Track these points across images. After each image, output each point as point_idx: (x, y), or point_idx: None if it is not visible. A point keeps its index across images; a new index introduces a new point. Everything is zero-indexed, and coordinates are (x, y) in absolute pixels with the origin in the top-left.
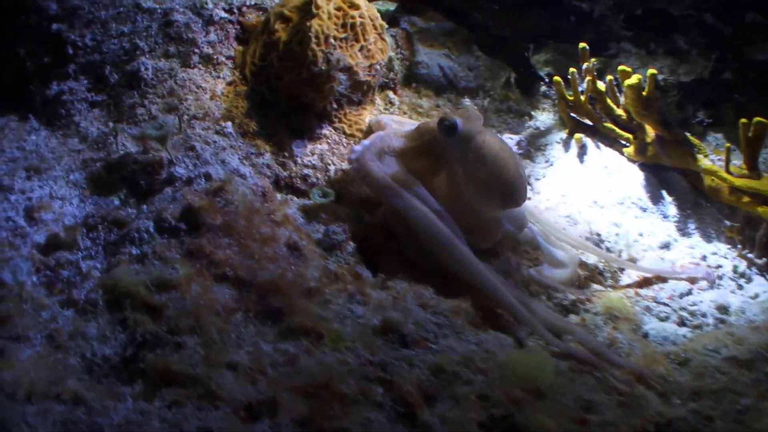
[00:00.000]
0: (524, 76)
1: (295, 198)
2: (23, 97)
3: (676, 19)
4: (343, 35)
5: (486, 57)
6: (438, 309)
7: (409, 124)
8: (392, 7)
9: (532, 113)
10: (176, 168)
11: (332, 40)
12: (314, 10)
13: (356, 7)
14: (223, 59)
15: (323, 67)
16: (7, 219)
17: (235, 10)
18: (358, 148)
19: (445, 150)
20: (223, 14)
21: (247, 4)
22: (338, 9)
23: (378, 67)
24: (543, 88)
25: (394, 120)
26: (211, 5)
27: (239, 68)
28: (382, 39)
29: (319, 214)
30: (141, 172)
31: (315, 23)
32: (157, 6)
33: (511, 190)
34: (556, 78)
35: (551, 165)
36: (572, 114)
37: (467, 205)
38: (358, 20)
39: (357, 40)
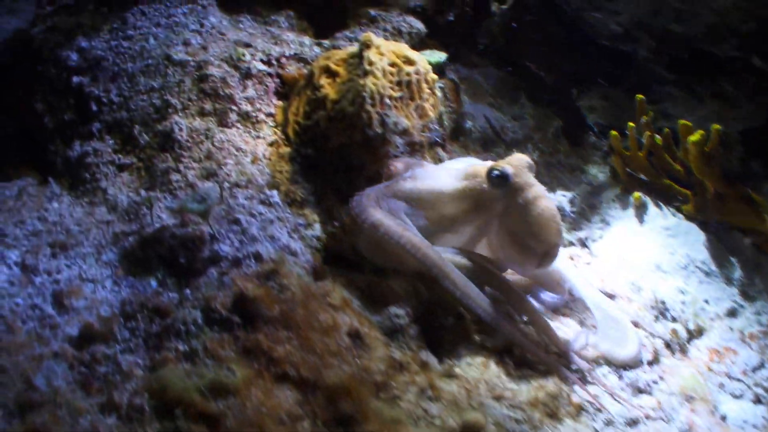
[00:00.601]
0: (572, 125)
1: (347, 273)
2: (41, 156)
3: (722, 62)
4: (399, 94)
5: (531, 105)
6: (514, 402)
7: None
8: (443, 57)
9: (583, 167)
10: (220, 245)
11: (387, 100)
12: (367, 67)
13: (411, 62)
14: (263, 117)
15: (379, 131)
16: (33, 306)
17: (274, 62)
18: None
19: (489, 199)
20: (262, 66)
21: (287, 54)
22: (392, 65)
23: (431, 125)
24: (592, 138)
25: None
26: (248, 57)
27: (281, 127)
28: (434, 94)
29: (375, 291)
30: (180, 248)
31: (370, 82)
32: (190, 58)
33: (548, 252)
34: (613, 132)
35: (608, 225)
36: (627, 169)
37: (499, 256)
38: (414, 77)
39: (412, 99)
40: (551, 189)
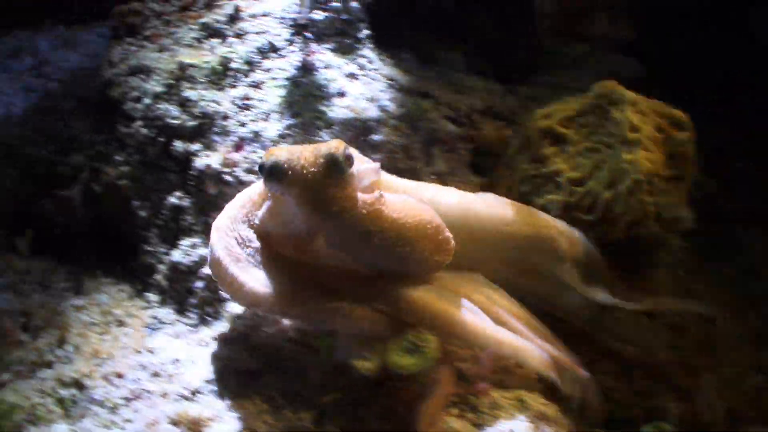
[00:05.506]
0: None
1: None
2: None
3: None
4: (670, 173)
5: None
6: None
7: None
8: None
9: None
10: None
11: (659, 182)
12: (630, 134)
13: (680, 125)
14: None
15: (654, 230)
16: None
17: (464, 119)
18: None
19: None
20: (451, 127)
21: (477, 108)
22: (659, 129)
23: None
24: None
25: None
26: (433, 113)
27: None
28: None
29: None
30: None
31: (642, 157)
32: (353, 115)
33: None
34: None
35: None
36: None
37: None
38: (688, 148)
39: (682, 177)
40: None
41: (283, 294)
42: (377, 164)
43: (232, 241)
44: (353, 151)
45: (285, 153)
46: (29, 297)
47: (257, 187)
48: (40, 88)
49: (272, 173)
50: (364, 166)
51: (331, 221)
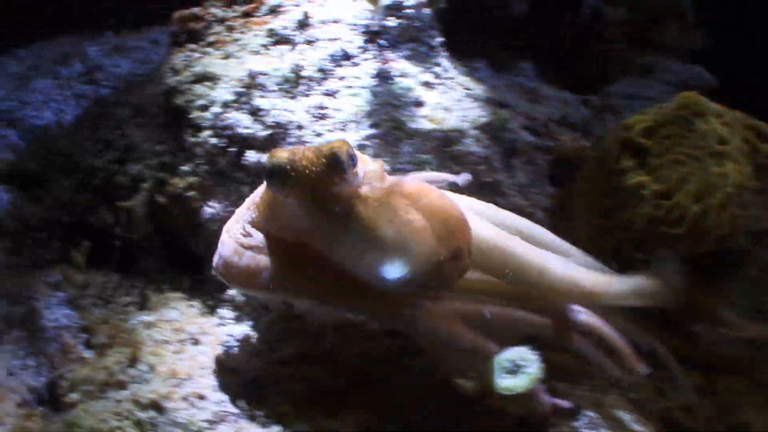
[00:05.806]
0: None
1: None
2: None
3: None
4: (758, 186)
5: None
6: None
7: None
8: None
9: None
10: None
11: (745, 194)
12: (718, 146)
13: (765, 136)
14: (540, 214)
15: (742, 243)
16: None
17: (542, 130)
18: None
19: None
20: (530, 137)
21: (553, 118)
22: (746, 141)
23: None
24: None
25: None
26: (513, 124)
27: (562, 228)
28: None
29: None
30: None
31: (732, 169)
32: (434, 126)
33: None
34: None
35: None
36: None
37: None
38: None
39: (766, 191)
40: None
41: (297, 272)
42: (380, 165)
43: (240, 237)
44: (357, 153)
45: (287, 154)
46: (90, 312)
47: (261, 188)
48: (91, 94)
49: (274, 175)
50: (369, 167)
51: (334, 221)
